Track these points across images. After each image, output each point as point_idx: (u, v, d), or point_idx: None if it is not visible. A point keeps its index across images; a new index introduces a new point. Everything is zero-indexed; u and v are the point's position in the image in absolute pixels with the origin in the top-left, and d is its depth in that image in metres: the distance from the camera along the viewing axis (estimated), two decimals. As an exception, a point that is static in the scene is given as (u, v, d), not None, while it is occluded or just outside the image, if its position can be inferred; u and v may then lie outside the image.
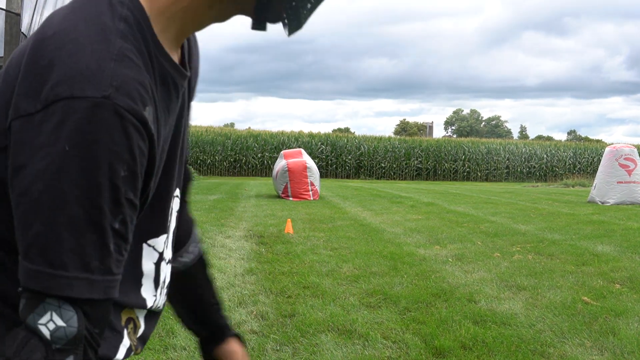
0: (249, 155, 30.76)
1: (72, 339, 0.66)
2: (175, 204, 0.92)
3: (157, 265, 0.87)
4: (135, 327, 0.87)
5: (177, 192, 0.93)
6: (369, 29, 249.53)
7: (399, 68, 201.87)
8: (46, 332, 0.65)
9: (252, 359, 3.09)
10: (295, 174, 12.84)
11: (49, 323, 0.65)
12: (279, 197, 13.15)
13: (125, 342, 0.83)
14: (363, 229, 7.98)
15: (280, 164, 13.65)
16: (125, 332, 0.83)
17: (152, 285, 0.87)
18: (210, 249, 6.11)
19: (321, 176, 17.18)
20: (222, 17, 0.78)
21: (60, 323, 0.65)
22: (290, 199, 12.76)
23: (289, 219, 8.03)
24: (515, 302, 4.29)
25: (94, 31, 0.67)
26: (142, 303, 0.85)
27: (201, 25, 0.78)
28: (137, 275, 0.84)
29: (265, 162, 30.58)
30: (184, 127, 0.89)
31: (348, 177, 31.67)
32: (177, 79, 0.77)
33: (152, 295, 0.87)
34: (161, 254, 0.88)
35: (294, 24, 0.77)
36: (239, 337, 1.17)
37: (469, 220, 9.35)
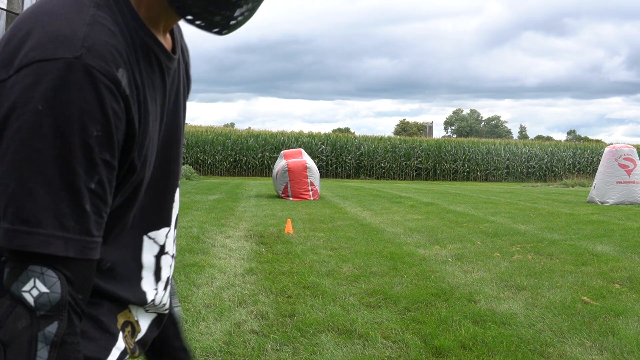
0: (249, 155, 30.75)
1: (56, 305, 0.66)
2: (177, 197, 0.91)
3: (158, 258, 0.87)
4: (134, 331, 0.86)
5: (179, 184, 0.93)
6: (369, 29, 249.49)
7: (399, 68, 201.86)
8: (30, 299, 0.65)
9: (252, 359, 3.09)
10: (295, 174, 12.84)
11: (33, 290, 0.65)
12: (279, 197, 13.15)
13: (120, 345, 0.82)
14: (363, 229, 7.98)
15: (280, 164, 13.65)
16: (121, 335, 0.83)
17: (152, 278, 0.86)
18: (210, 249, 6.11)
19: (321, 176, 17.20)
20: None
21: (44, 289, 0.65)
22: (290, 199, 12.76)
23: (289, 219, 8.03)
24: (514, 302, 4.30)
25: (68, 2, 0.69)
26: (142, 297, 0.85)
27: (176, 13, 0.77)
28: (137, 267, 0.84)
29: (265, 162, 30.57)
30: (182, 117, 0.89)
31: (348, 177, 31.67)
32: (161, 57, 0.78)
33: (153, 289, 0.87)
34: (162, 247, 0.87)
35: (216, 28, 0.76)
36: None
37: (469, 220, 9.35)
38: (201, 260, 5.43)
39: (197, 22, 0.75)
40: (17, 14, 8.03)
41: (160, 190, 0.84)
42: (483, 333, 3.52)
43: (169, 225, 0.87)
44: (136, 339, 0.88)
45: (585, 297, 4.43)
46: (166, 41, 0.82)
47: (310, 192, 12.90)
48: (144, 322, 0.89)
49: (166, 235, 0.87)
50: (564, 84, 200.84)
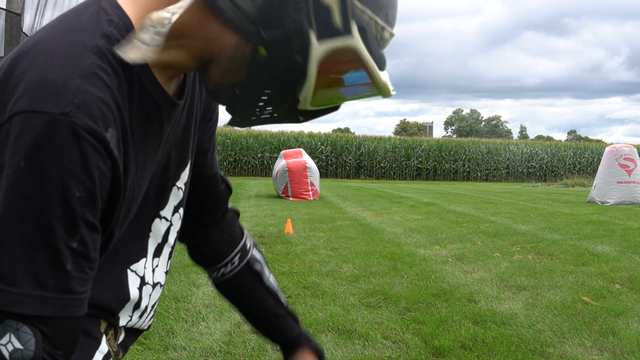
0: (249, 155, 30.75)
1: None
2: (176, 228, 0.93)
3: (140, 289, 0.88)
4: (116, 334, 0.87)
5: (180, 214, 0.93)
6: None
7: (399, 68, 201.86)
8: (6, 353, 0.64)
9: (252, 359, 3.09)
10: (295, 174, 12.84)
11: (8, 344, 0.64)
12: (279, 197, 13.15)
13: (103, 349, 0.83)
14: (363, 229, 7.98)
15: (280, 164, 13.65)
16: (105, 338, 0.83)
17: (131, 308, 0.88)
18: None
19: (321, 176, 17.19)
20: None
21: (18, 345, 0.64)
22: (290, 199, 12.76)
23: (289, 219, 8.03)
24: (515, 302, 4.29)
25: (69, 45, 0.65)
26: (115, 322, 0.86)
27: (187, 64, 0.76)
28: (123, 299, 0.85)
29: (265, 162, 30.57)
30: (185, 152, 0.89)
31: (348, 177, 31.67)
32: (163, 106, 0.76)
33: (128, 316, 0.88)
34: (142, 278, 0.88)
35: (237, 122, 0.77)
36: (314, 348, 1.14)
37: (469, 220, 9.35)
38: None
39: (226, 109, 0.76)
40: (16, 14, 8.02)
41: (140, 223, 0.84)
42: (483, 333, 3.52)
43: (145, 255, 0.88)
44: (118, 342, 0.88)
45: (585, 297, 4.43)
46: (177, 82, 0.80)
47: (310, 192, 12.89)
48: (126, 330, 0.91)
49: (144, 266, 0.88)
50: (564, 84, 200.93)
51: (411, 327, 3.65)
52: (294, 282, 4.73)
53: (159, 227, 0.88)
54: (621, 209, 11.97)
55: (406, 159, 32.53)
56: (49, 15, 9.17)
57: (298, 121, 0.77)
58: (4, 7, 7.95)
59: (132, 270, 0.85)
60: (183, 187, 0.91)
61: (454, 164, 32.88)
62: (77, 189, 0.63)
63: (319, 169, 15.56)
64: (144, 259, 0.87)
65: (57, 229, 0.63)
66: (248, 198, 13.30)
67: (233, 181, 23.57)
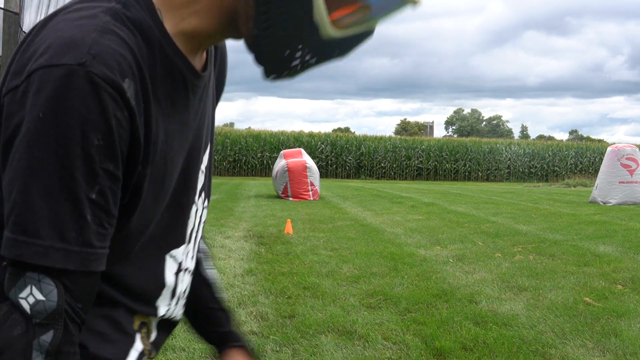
0: (248, 155, 30.74)
1: (52, 313, 0.65)
2: (199, 212, 0.91)
3: (177, 275, 0.87)
4: (148, 332, 0.87)
5: (204, 202, 0.92)
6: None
7: (400, 68, 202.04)
8: (26, 306, 0.65)
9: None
10: (295, 174, 12.82)
11: (29, 297, 0.65)
12: (278, 197, 13.13)
13: (138, 347, 0.83)
14: (363, 229, 7.95)
15: (280, 163, 13.63)
16: (138, 336, 0.83)
17: (169, 295, 0.87)
18: (210, 249, 6.09)
19: (321, 176, 17.16)
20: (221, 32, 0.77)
21: (40, 297, 0.65)
22: (290, 199, 12.74)
23: (289, 219, 8.01)
24: (516, 303, 4.27)
25: (87, 11, 0.68)
26: (153, 312, 0.85)
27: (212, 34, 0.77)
28: (159, 286, 0.84)
29: (265, 162, 30.56)
30: (207, 135, 0.87)
31: (348, 177, 31.65)
32: (188, 76, 0.76)
33: (166, 305, 0.87)
34: (180, 264, 0.88)
35: (273, 72, 0.76)
36: (244, 348, 1.08)
37: (470, 221, 9.32)
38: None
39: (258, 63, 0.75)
40: (14, 13, 8.02)
41: (180, 207, 0.84)
42: (484, 334, 3.49)
43: (184, 242, 0.87)
44: (150, 340, 0.88)
45: (587, 298, 4.40)
46: (200, 57, 0.81)
47: (310, 192, 12.87)
48: (155, 326, 0.90)
49: (183, 253, 0.88)
50: (566, 83, 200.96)
51: (412, 328, 3.63)
52: (294, 282, 4.71)
53: (193, 211, 0.88)
54: (623, 209, 11.94)
55: (407, 159, 32.51)
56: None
57: (334, 56, 0.74)
58: (2, 6, 7.94)
59: (171, 256, 0.85)
60: (205, 171, 0.90)
61: (454, 164, 32.86)
62: (95, 137, 0.64)
63: (319, 169, 15.55)
64: (184, 245, 0.87)
65: (77, 179, 0.64)
66: (248, 198, 13.28)
67: (232, 181, 23.57)
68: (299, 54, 0.73)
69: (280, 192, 13.07)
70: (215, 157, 30.44)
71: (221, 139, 30.85)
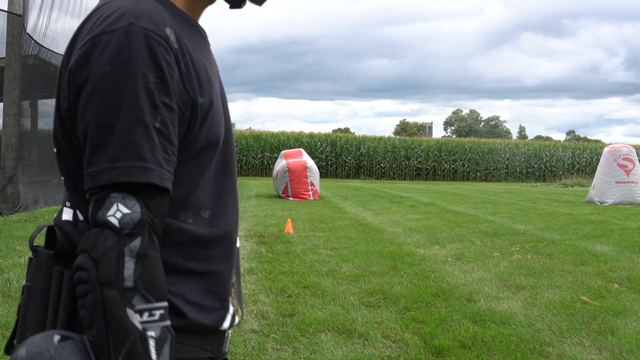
0: (249, 155, 30.73)
1: (138, 223, 0.78)
2: None
3: (237, 212, 1.01)
4: (233, 291, 0.97)
5: None
6: (369, 30, 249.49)
7: (399, 69, 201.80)
8: (115, 222, 0.77)
9: (252, 359, 3.11)
10: (295, 174, 12.85)
11: (117, 213, 0.77)
12: (279, 197, 13.16)
13: (231, 310, 0.94)
14: (363, 229, 7.99)
15: (280, 164, 13.65)
16: (230, 298, 0.94)
17: (236, 229, 1.00)
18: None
19: (321, 176, 17.18)
20: None
21: (126, 211, 0.78)
22: (290, 199, 12.77)
23: (289, 219, 8.04)
24: (514, 302, 4.31)
25: None
26: (234, 246, 0.97)
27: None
28: (236, 215, 0.98)
29: (265, 162, 30.56)
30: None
31: (348, 177, 31.66)
32: (200, 28, 0.96)
33: (237, 238, 1.01)
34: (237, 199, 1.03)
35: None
36: None
37: (469, 220, 9.36)
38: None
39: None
40: (18, 15, 8.03)
41: (231, 147, 0.98)
42: (482, 332, 3.53)
43: (236, 181, 1.03)
44: (235, 294, 0.98)
45: (584, 297, 4.45)
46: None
47: (310, 192, 12.90)
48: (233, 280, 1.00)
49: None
50: (563, 84, 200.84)
51: (411, 326, 3.67)
52: (294, 281, 4.74)
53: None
54: (620, 209, 11.99)
55: (406, 159, 32.52)
56: (55, 17, 9.17)
57: None
58: (5, 8, 7.95)
59: (235, 195, 1.00)
60: None
61: (453, 164, 32.87)
62: (151, 75, 0.79)
63: (318, 169, 15.57)
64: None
65: (145, 110, 0.79)
66: (248, 198, 13.31)
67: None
68: None
69: (280, 192, 13.09)
70: (215, 157, 30.41)
71: (220, 139, 30.80)
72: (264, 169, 30.46)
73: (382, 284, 4.72)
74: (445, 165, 32.75)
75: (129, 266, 0.76)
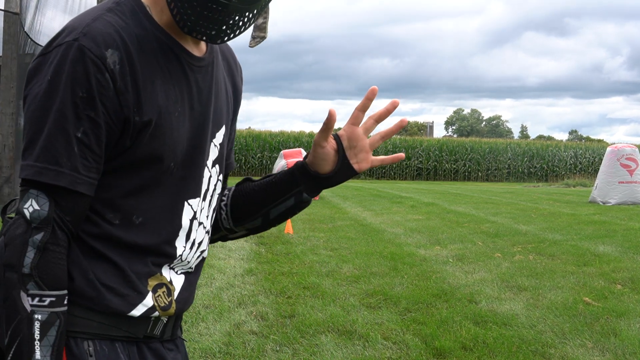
0: (248, 155, 30.74)
1: (44, 219, 0.90)
2: (214, 181, 1.10)
3: (191, 222, 1.05)
4: (169, 291, 1.04)
5: (217, 169, 1.10)
6: (370, 29, 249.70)
7: (400, 68, 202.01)
8: (27, 214, 0.90)
9: (251, 360, 3.07)
10: (296, 174, 12.83)
11: (29, 207, 0.90)
12: (279, 197, 13.14)
13: (147, 302, 1.00)
14: (363, 229, 7.96)
15: (280, 163, 13.64)
16: (151, 294, 1.01)
17: (184, 237, 1.05)
18: (210, 249, 6.10)
19: (322, 176, 17.13)
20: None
21: (36, 207, 0.90)
22: (291, 199, 12.75)
23: (289, 219, 8.01)
24: (516, 303, 4.27)
25: (88, 12, 0.96)
26: (173, 251, 1.03)
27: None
28: (176, 226, 1.03)
29: (265, 162, 30.56)
30: (222, 117, 1.08)
31: (348, 177, 31.63)
32: (181, 54, 0.98)
33: (182, 246, 1.05)
34: (195, 213, 1.06)
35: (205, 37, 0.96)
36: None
37: (470, 221, 9.33)
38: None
39: (197, 36, 0.95)
40: (15, 13, 8.02)
41: (195, 164, 1.03)
42: (484, 334, 3.50)
43: (199, 196, 1.06)
44: (174, 297, 1.05)
45: (586, 298, 4.41)
46: (197, 46, 1.03)
47: (311, 192, 12.88)
48: (177, 282, 1.06)
49: (198, 205, 1.07)
50: (565, 83, 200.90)
51: (412, 327, 3.63)
52: (294, 282, 4.71)
53: (206, 174, 1.07)
54: (623, 209, 11.95)
55: (406, 159, 32.50)
56: (50, 15, 9.16)
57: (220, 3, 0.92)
58: (2, 7, 7.94)
59: (188, 204, 1.04)
60: (219, 147, 1.09)
61: (454, 164, 32.85)
62: (80, 90, 0.89)
63: (319, 169, 15.49)
64: (198, 198, 1.06)
65: (68, 118, 0.89)
66: (248, 198, 13.28)
67: (233, 181, 23.48)
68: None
69: (280, 192, 13.08)
70: (215, 157, 30.44)
71: (221, 139, 30.85)
72: (263, 168, 30.46)
73: (382, 285, 4.69)
74: (447, 165, 32.73)
75: (30, 255, 0.89)
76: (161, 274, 1.03)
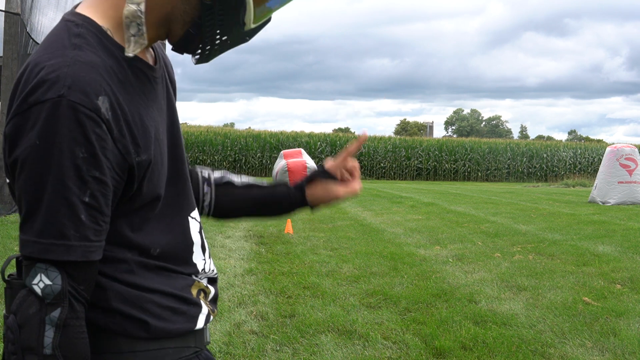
0: (248, 155, 30.73)
1: (58, 294, 0.82)
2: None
3: (200, 233, 1.05)
4: (206, 294, 1.04)
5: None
6: (370, 29, 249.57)
7: (400, 68, 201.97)
8: (38, 290, 0.82)
9: (251, 360, 3.08)
10: (295, 174, 12.81)
11: (40, 283, 0.82)
12: (279, 197, 13.14)
13: (204, 310, 1.01)
14: (363, 229, 7.96)
15: (280, 163, 13.63)
16: (202, 302, 1.01)
17: (200, 250, 1.04)
18: (210, 249, 6.09)
19: (321, 176, 17.13)
20: (153, 38, 0.94)
21: (48, 282, 0.82)
22: (291, 199, 12.75)
23: (289, 219, 8.02)
24: (515, 303, 4.28)
25: (54, 53, 0.85)
26: (195, 269, 1.02)
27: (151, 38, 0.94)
28: (189, 244, 1.01)
29: (265, 162, 30.56)
30: (176, 115, 1.06)
31: (348, 177, 31.61)
32: (147, 71, 0.94)
33: (202, 260, 1.04)
34: (200, 224, 1.06)
35: (203, 59, 0.96)
36: (316, 174, 1.29)
37: (470, 221, 9.33)
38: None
39: (195, 55, 0.94)
40: (16, 14, 8.02)
41: (181, 176, 1.01)
42: (484, 334, 3.51)
43: (195, 206, 1.06)
44: (209, 299, 1.05)
45: (586, 298, 4.42)
46: (150, 54, 1.00)
47: (311, 192, 12.88)
48: (209, 284, 1.06)
49: (198, 214, 1.07)
50: (565, 84, 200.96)
51: (411, 327, 3.64)
52: (294, 282, 4.72)
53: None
54: (622, 209, 11.96)
55: (406, 159, 32.50)
56: (53, 15, 9.16)
57: (246, 41, 0.96)
58: (2, 8, 7.94)
59: (192, 217, 1.03)
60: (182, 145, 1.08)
61: (454, 164, 32.85)
62: (80, 151, 0.80)
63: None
64: (196, 208, 1.06)
65: (71, 187, 0.81)
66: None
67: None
68: (220, 41, 0.93)
69: (280, 192, 13.07)
70: (215, 157, 30.44)
71: (221, 139, 30.86)
72: (263, 168, 30.46)
73: (382, 285, 4.69)
74: (446, 165, 32.72)
75: (49, 335, 0.82)
76: (198, 282, 1.03)
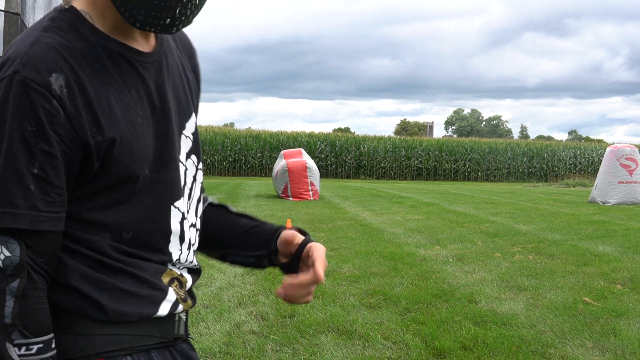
0: (248, 155, 30.73)
1: (17, 265, 0.85)
2: (192, 172, 1.07)
3: (181, 223, 1.03)
4: (181, 283, 1.03)
5: (193, 160, 1.07)
6: (370, 29, 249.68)
7: (400, 68, 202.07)
8: None
9: (251, 360, 3.07)
10: (295, 174, 12.82)
11: (0, 255, 0.85)
12: (278, 197, 13.13)
13: (170, 297, 0.99)
14: (363, 229, 7.96)
15: (280, 163, 13.64)
16: (170, 289, 1.00)
17: (177, 241, 1.03)
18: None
19: (321, 176, 17.16)
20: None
21: (7, 254, 0.85)
22: (290, 199, 12.74)
23: (289, 219, 8.01)
24: (516, 303, 4.28)
25: (25, 36, 0.90)
26: (169, 258, 1.01)
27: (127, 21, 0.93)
28: (165, 232, 1.00)
29: (265, 162, 30.56)
30: (187, 107, 1.05)
31: (348, 177, 31.64)
32: (129, 55, 0.94)
33: (178, 250, 1.03)
34: (183, 214, 1.04)
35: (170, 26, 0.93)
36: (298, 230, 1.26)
37: (470, 221, 9.33)
38: (200, 261, 5.41)
39: (151, 29, 0.91)
40: (16, 14, 8.02)
41: (169, 163, 1.00)
42: (484, 334, 3.50)
43: (182, 196, 1.04)
44: (186, 289, 1.04)
45: (586, 298, 4.41)
46: (147, 41, 0.99)
47: (310, 192, 12.88)
48: (187, 274, 1.06)
49: (185, 205, 1.05)
50: (565, 84, 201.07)
51: (411, 327, 3.63)
52: (294, 282, 4.71)
53: (181, 168, 1.04)
54: (622, 209, 11.95)
55: (406, 159, 32.51)
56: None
57: None
58: (2, 7, 7.94)
59: (175, 207, 1.02)
60: (191, 137, 1.06)
61: (454, 164, 32.85)
62: (28, 124, 0.84)
63: (319, 169, 15.55)
64: (183, 198, 1.04)
65: (20, 159, 0.84)
66: (248, 198, 13.29)
67: (232, 181, 23.56)
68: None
69: (280, 192, 13.07)
70: (215, 157, 30.43)
71: (221, 139, 30.85)
72: (263, 168, 30.46)
73: (382, 285, 4.69)
74: (446, 165, 32.73)
75: (9, 304, 0.85)
76: (170, 270, 1.02)
